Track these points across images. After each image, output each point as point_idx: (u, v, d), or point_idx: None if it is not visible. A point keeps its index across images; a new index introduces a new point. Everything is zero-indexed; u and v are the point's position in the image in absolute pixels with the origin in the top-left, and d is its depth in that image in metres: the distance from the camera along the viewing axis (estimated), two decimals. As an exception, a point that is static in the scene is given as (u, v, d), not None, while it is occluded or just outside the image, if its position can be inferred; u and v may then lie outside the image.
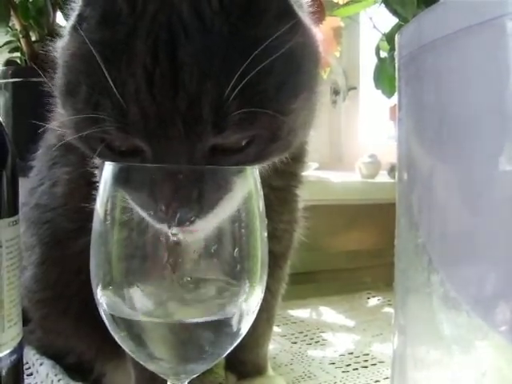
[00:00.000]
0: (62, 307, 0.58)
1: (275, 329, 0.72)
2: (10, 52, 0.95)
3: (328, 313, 0.93)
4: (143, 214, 0.34)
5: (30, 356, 0.62)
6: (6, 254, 0.39)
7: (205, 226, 0.34)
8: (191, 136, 0.34)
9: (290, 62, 0.37)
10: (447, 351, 0.34)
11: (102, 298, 0.34)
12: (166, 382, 0.36)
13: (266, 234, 0.35)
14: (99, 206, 0.34)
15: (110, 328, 0.34)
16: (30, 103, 0.65)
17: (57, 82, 0.40)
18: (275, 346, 0.75)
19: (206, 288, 0.36)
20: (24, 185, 0.50)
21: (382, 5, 0.87)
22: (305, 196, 0.59)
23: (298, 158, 0.54)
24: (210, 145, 0.35)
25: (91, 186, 0.45)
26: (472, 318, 0.32)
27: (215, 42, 0.35)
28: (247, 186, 0.34)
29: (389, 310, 0.94)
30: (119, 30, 0.35)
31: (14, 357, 0.41)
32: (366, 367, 0.69)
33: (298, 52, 0.38)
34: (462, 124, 0.31)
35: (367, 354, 0.73)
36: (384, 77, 0.98)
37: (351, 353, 0.74)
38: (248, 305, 0.34)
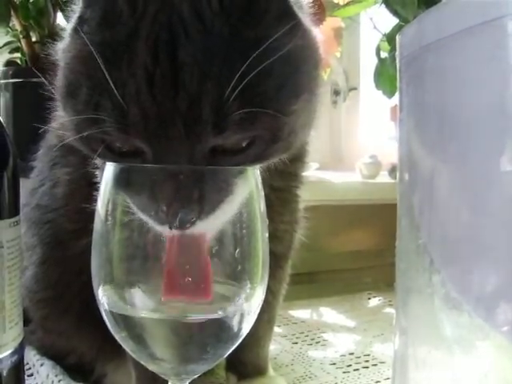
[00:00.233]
0: (63, 307, 0.58)
1: (276, 329, 0.72)
2: (10, 52, 0.95)
3: (329, 313, 0.93)
4: (144, 217, 0.34)
5: (31, 356, 0.62)
6: (7, 255, 0.39)
7: (205, 227, 0.34)
8: (191, 136, 0.34)
9: (289, 63, 0.37)
10: (448, 351, 0.34)
11: (104, 297, 0.34)
12: (166, 382, 0.36)
13: (267, 235, 0.35)
14: (100, 206, 0.34)
15: (111, 328, 0.34)
16: (31, 104, 0.65)
17: (57, 83, 0.40)
18: (276, 346, 0.75)
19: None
20: (25, 185, 0.50)
21: (383, 5, 0.86)
22: (305, 196, 0.59)
23: (298, 159, 0.54)
24: (211, 145, 0.35)
25: (92, 186, 0.45)
26: (473, 319, 0.32)
27: (215, 42, 0.35)
28: (248, 186, 0.34)
29: (390, 310, 0.94)
30: (120, 31, 0.35)
31: (14, 357, 0.41)
32: (366, 368, 0.69)
33: (298, 53, 0.38)
34: (464, 124, 0.31)
35: (368, 355, 0.73)
36: (384, 77, 0.98)
37: (352, 353, 0.74)
38: (249, 305, 0.34)
